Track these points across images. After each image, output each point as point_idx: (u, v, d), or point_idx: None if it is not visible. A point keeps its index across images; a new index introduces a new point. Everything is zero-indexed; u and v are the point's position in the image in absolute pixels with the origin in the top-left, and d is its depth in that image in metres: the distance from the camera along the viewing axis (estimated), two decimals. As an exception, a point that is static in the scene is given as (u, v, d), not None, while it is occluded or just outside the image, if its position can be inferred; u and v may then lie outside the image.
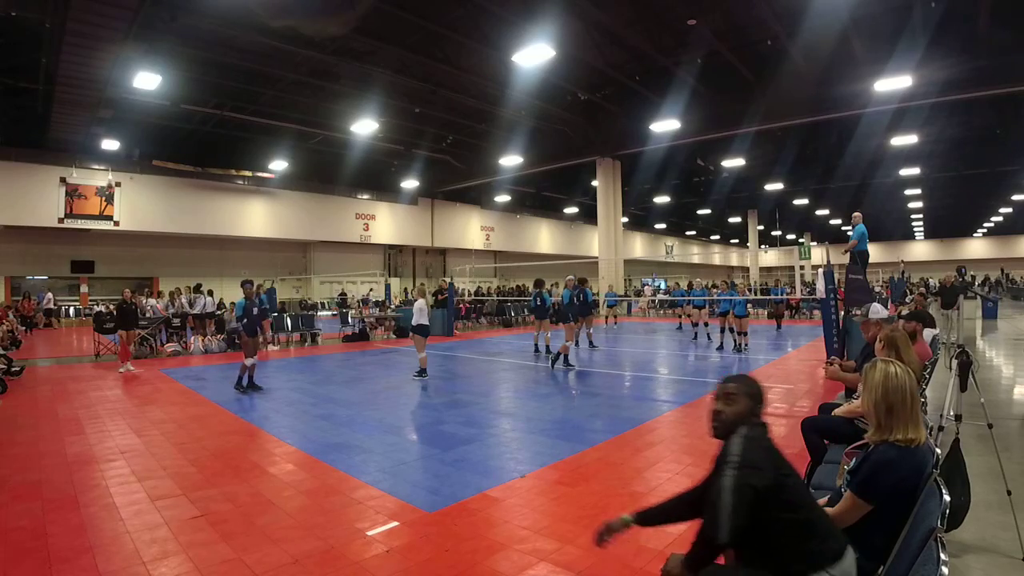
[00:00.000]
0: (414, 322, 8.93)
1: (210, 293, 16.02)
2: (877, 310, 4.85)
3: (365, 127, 19.09)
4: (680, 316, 18.56)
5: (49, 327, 20.98)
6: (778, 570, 1.70)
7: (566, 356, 9.87)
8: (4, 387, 8.00)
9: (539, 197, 34.28)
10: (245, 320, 8.13)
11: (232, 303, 11.97)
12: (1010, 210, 38.86)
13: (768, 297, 21.55)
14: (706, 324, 15.02)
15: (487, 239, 34.97)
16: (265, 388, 8.17)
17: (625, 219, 31.27)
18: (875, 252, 14.19)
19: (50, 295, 21.50)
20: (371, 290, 24.79)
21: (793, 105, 17.19)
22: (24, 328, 17.82)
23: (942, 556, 1.42)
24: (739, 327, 12.14)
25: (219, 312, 14.71)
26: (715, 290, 15.39)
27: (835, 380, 4.52)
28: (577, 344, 13.12)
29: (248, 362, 7.99)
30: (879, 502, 1.91)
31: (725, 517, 1.64)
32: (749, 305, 13.93)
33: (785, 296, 19.37)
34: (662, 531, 2.99)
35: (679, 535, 3.01)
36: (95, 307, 17.82)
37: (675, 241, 51.24)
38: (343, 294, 26.39)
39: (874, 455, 2.02)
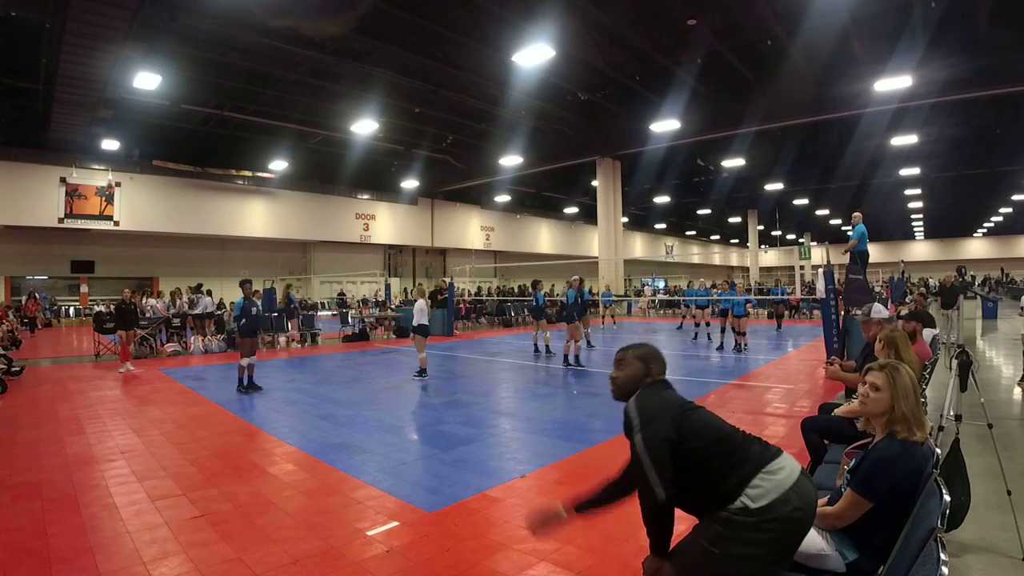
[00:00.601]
0: (415, 322, 8.95)
1: (209, 293, 16.02)
2: (878, 310, 4.85)
3: (365, 127, 19.08)
4: (683, 316, 18.58)
5: (48, 326, 20.98)
6: (721, 496, 1.68)
7: (567, 355, 9.93)
8: (4, 387, 8.01)
9: (539, 197, 34.27)
10: (243, 320, 8.14)
11: (233, 303, 11.97)
12: (1010, 210, 38.83)
13: (768, 297, 21.55)
14: (707, 324, 15.02)
15: (487, 239, 34.96)
16: (265, 388, 8.16)
17: (625, 219, 31.26)
18: (875, 252, 14.19)
19: (35, 295, 21.35)
20: (378, 292, 24.36)
21: (793, 105, 17.18)
22: (27, 328, 17.82)
23: (942, 556, 1.42)
24: (738, 327, 12.14)
25: (219, 312, 14.72)
26: (715, 290, 15.40)
27: (835, 380, 4.52)
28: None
29: (244, 362, 7.99)
30: (879, 500, 1.91)
31: (654, 476, 1.66)
32: (749, 305, 13.91)
33: (785, 296, 19.36)
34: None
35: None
36: (95, 307, 17.81)
37: (675, 241, 51.23)
38: (342, 294, 26.37)
39: (874, 452, 2.03)
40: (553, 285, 30.96)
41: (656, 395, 1.86)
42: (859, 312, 7.51)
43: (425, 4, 12.99)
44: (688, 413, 1.80)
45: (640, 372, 1.93)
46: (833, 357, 6.04)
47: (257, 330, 8.52)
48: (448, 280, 18.71)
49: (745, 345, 12.08)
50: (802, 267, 22.37)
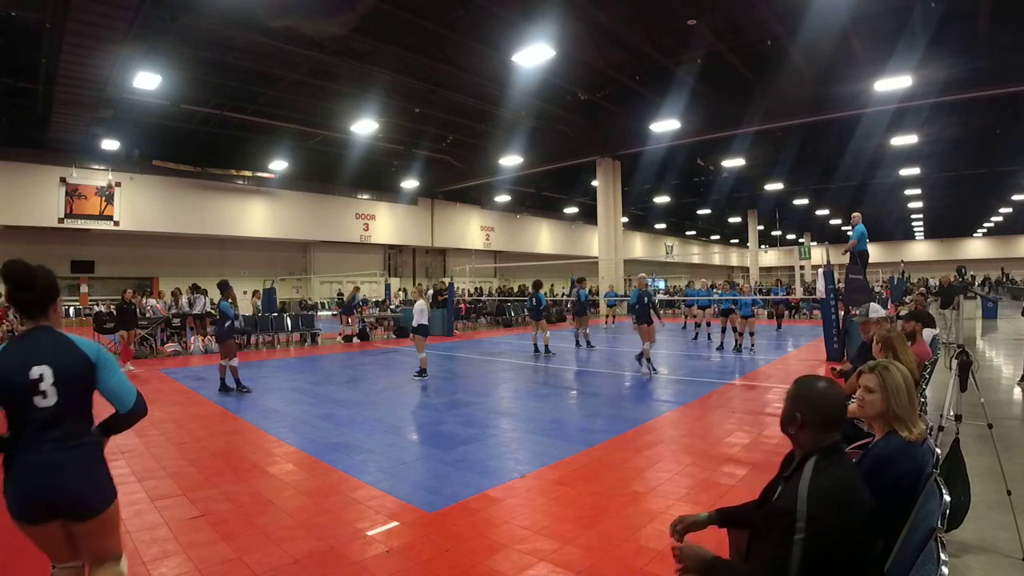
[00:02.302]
0: (415, 323, 8.96)
1: (204, 292, 16.01)
2: (875, 309, 4.85)
3: (365, 127, 19.08)
4: (686, 316, 18.58)
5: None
6: None
7: (648, 359, 9.32)
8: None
9: (539, 197, 34.28)
10: (235, 322, 8.15)
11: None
12: (1010, 210, 38.84)
13: (770, 297, 21.58)
14: (708, 324, 15.02)
15: (487, 239, 34.96)
16: (266, 388, 8.18)
17: (625, 219, 31.27)
18: (875, 252, 14.18)
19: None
20: (371, 297, 23.76)
21: (793, 105, 17.18)
22: None
23: (942, 556, 1.42)
24: (742, 327, 12.09)
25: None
26: (716, 291, 15.40)
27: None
28: (578, 344, 13.15)
29: (234, 363, 7.99)
30: (878, 498, 1.91)
31: None
32: (755, 306, 13.70)
33: (786, 296, 19.37)
34: (663, 532, 2.99)
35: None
36: (95, 307, 17.76)
37: (675, 241, 51.23)
38: (340, 294, 26.36)
39: (875, 450, 2.04)
40: (553, 285, 30.99)
41: (835, 474, 1.44)
42: (858, 312, 7.53)
43: (425, 4, 13.00)
44: (854, 521, 1.42)
45: (817, 431, 1.50)
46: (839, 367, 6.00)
47: (234, 332, 8.43)
48: (448, 280, 18.70)
49: (752, 346, 12.02)
50: (802, 267, 22.37)
